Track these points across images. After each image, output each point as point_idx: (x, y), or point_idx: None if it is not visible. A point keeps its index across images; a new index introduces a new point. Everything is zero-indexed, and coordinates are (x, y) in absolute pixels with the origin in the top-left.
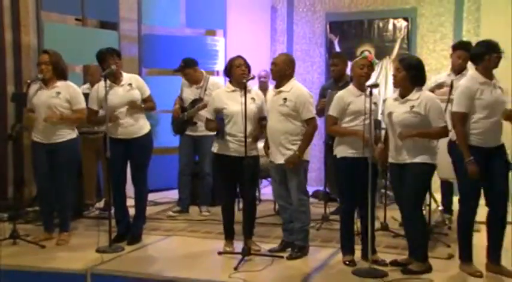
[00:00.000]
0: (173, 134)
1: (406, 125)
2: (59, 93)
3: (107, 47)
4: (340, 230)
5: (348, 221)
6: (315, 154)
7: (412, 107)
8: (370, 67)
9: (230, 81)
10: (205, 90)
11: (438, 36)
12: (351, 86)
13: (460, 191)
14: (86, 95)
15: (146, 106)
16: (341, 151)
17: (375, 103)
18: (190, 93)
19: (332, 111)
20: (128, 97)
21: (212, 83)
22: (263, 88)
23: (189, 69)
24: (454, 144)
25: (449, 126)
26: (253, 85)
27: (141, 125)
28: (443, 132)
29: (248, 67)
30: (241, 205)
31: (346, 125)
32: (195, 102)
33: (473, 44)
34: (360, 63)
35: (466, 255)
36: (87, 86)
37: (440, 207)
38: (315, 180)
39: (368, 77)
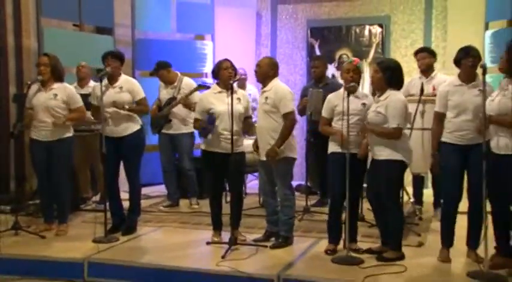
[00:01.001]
0: (152, 133)
1: (372, 123)
2: (56, 95)
3: (110, 50)
4: (328, 220)
5: (336, 212)
6: (297, 150)
7: (378, 107)
8: (356, 70)
9: (217, 83)
10: (179, 89)
11: (409, 42)
12: (341, 89)
13: (443, 186)
14: (81, 96)
15: (134, 108)
16: (331, 147)
17: (364, 103)
18: (166, 94)
19: (323, 112)
20: (114, 98)
21: (185, 83)
22: (240, 85)
23: (163, 70)
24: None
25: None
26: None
27: (129, 124)
28: (394, 133)
29: (235, 70)
30: (228, 198)
31: (335, 124)
32: (169, 101)
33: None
34: (346, 68)
35: (445, 241)
36: (73, 85)
37: (412, 199)
38: (297, 174)
39: (354, 79)
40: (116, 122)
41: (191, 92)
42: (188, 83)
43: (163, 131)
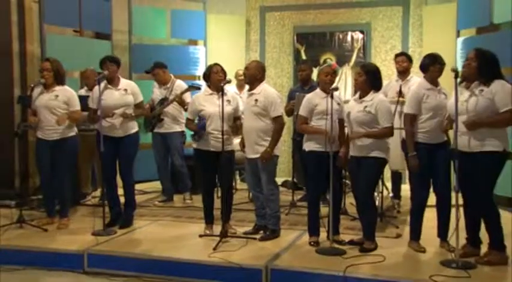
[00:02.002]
0: (144, 132)
1: (359, 122)
2: (57, 96)
3: (107, 55)
4: (307, 214)
5: (314, 206)
6: (284, 149)
7: (366, 107)
8: (334, 74)
9: (209, 86)
10: (171, 90)
11: (389, 47)
12: (318, 90)
13: (412, 181)
14: (84, 97)
15: (137, 114)
16: (309, 146)
17: (339, 103)
18: (158, 94)
19: (302, 111)
20: (123, 100)
21: (177, 84)
22: (240, 85)
23: (158, 69)
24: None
25: (402, 125)
26: (230, 86)
27: (129, 126)
28: (388, 132)
29: (224, 73)
30: (219, 193)
31: (315, 123)
32: (162, 101)
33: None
34: (325, 71)
35: (415, 234)
36: (84, 89)
37: (391, 194)
38: (284, 171)
39: (332, 82)
40: (119, 124)
41: (182, 93)
42: (180, 85)
43: (156, 130)
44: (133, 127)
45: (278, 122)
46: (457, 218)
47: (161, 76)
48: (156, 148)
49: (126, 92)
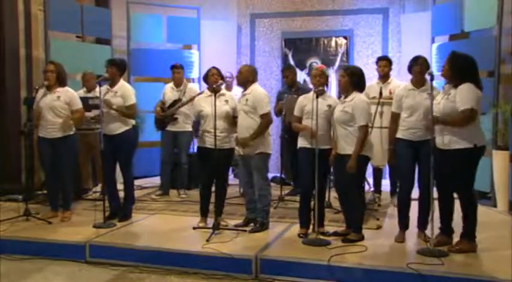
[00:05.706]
0: (156, 130)
1: (339, 121)
2: (59, 97)
3: (111, 58)
4: (299, 207)
5: (306, 200)
6: (273, 146)
7: (345, 107)
8: (323, 75)
9: (208, 88)
10: (184, 93)
11: (370, 52)
12: (311, 92)
13: (398, 176)
14: (83, 99)
15: (121, 110)
16: (300, 142)
17: (329, 105)
18: (171, 96)
19: (295, 112)
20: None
21: (189, 87)
22: (227, 87)
23: (183, 70)
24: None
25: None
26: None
27: (119, 125)
28: (362, 130)
29: (220, 76)
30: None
31: (304, 122)
32: (175, 102)
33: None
34: (313, 74)
35: (402, 224)
36: (83, 90)
37: (372, 189)
38: (272, 167)
39: (321, 83)
40: (108, 121)
41: (197, 95)
42: (192, 88)
43: (168, 128)
44: (124, 126)
45: (265, 118)
46: (432, 210)
47: (182, 75)
48: (165, 144)
49: (115, 94)
